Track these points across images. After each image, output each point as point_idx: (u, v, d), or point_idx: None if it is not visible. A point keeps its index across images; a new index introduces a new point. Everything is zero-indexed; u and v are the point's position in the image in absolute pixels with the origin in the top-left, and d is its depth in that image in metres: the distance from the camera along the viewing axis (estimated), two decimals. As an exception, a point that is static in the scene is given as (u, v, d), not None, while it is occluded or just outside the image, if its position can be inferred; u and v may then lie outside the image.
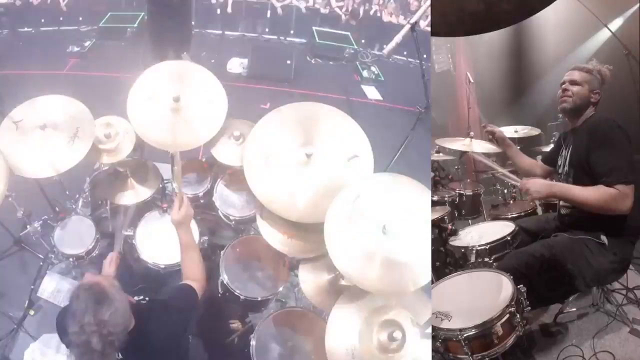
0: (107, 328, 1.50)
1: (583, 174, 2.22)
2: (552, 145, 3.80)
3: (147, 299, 2.13)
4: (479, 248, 2.45)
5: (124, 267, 2.57)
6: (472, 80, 4.23)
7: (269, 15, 6.25)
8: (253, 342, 2.15)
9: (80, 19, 5.77)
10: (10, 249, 2.83)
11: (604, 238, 2.18)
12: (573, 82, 2.33)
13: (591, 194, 2.10)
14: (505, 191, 3.91)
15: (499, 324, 1.75)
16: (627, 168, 2.07)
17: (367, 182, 2.05)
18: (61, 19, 5.72)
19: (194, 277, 2.00)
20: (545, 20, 4.34)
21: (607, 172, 2.07)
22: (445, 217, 3.16)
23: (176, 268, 2.46)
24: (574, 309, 2.68)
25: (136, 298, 1.95)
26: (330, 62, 5.91)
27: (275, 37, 6.24)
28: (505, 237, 2.46)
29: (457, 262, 2.60)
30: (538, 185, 2.24)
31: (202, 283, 2.00)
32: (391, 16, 6.55)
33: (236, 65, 5.29)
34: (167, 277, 2.49)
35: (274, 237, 2.27)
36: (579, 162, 2.27)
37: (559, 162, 2.48)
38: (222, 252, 2.49)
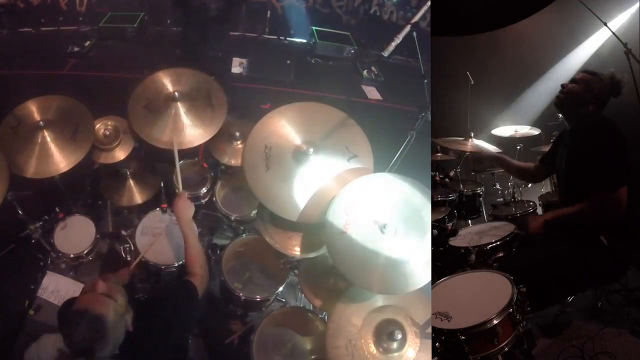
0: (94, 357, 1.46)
1: (580, 175, 2.22)
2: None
3: (146, 296, 2.13)
4: (479, 248, 2.44)
5: (123, 267, 2.58)
6: (472, 81, 4.22)
7: (269, 15, 6.24)
8: (253, 342, 2.15)
9: (80, 19, 5.76)
10: (10, 249, 2.82)
11: (603, 239, 2.17)
12: (572, 81, 2.36)
13: (583, 208, 2.12)
14: (506, 191, 3.91)
15: (498, 324, 1.74)
16: (618, 171, 2.08)
17: (367, 182, 2.05)
18: (61, 19, 5.71)
19: (194, 270, 2.00)
20: (545, 19, 4.33)
21: (598, 178, 2.09)
22: (445, 217, 3.16)
23: (176, 268, 2.46)
24: (574, 309, 2.68)
25: (137, 296, 1.93)
26: (330, 62, 5.91)
27: (275, 37, 6.23)
28: (505, 237, 2.46)
29: (457, 262, 2.60)
30: (534, 226, 2.28)
31: (203, 278, 1.99)
32: (391, 16, 6.55)
33: (236, 65, 5.28)
34: (167, 276, 2.48)
35: (273, 237, 2.28)
36: (575, 163, 2.27)
37: (557, 162, 2.48)
38: (222, 252, 2.49)
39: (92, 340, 1.46)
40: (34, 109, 2.54)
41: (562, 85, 2.38)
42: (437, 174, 3.86)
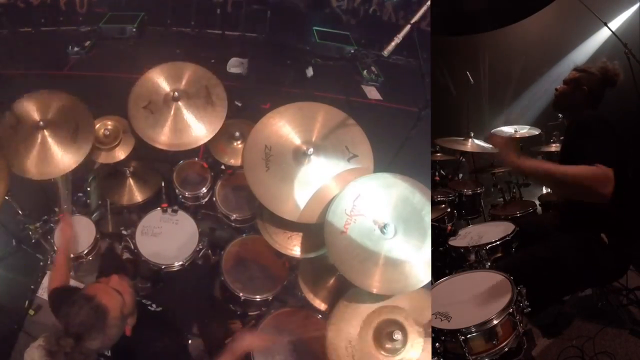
0: (82, 349, 1.45)
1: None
2: (552, 145, 3.81)
3: (154, 305, 2.11)
4: (478, 248, 2.45)
5: (123, 266, 2.58)
6: (472, 81, 4.23)
7: (269, 15, 6.24)
8: (253, 342, 2.16)
9: (80, 19, 5.76)
10: (10, 249, 2.82)
11: (604, 237, 2.17)
12: (564, 82, 2.37)
13: (569, 169, 1.97)
14: (505, 191, 3.91)
15: (498, 324, 1.74)
16: (608, 152, 1.99)
17: (367, 182, 2.05)
18: (61, 19, 5.71)
19: None
20: (545, 19, 4.34)
21: (589, 154, 1.98)
22: (445, 217, 3.16)
23: (176, 268, 2.46)
24: (574, 309, 2.68)
25: (144, 301, 1.92)
26: (330, 62, 5.90)
27: (275, 37, 6.23)
28: (505, 237, 2.46)
29: (457, 262, 2.60)
30: (515, 160, 2.09)
31: None
32: (391, 16, 6.55)
33: (236, 65, 5.27)
34: (167, 276, 2.48)
35: (274, 237, 2.28)
36: (566, 157, 2.27)
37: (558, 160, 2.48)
38: (222, 252, 2.49)
39: (89, 326, 1.46)
40: (33, 108, 2.52)
41: (556, 89, 2.40)
42: (437, 174, 3.87)
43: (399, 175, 2.05)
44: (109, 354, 1.59)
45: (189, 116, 2.56)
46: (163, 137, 2.53)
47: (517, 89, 4.91)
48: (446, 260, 2.75)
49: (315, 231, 2.08)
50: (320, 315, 2.23)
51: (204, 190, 2.76)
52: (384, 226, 1.91)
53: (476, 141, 3.62)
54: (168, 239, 2.50)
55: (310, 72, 5.14)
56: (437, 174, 3.90)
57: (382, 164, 2.35)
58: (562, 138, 2.57)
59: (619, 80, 2.28)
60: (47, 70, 4.88)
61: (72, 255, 2.49)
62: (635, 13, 3.90)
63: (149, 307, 1.90)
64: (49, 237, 2.58)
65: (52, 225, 2.62)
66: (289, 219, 2.11)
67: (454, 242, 2.66)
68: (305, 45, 5.74)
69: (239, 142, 2.75)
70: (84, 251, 2.51)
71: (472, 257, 2.47)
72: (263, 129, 2.27)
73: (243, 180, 2.24)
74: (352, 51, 5.97)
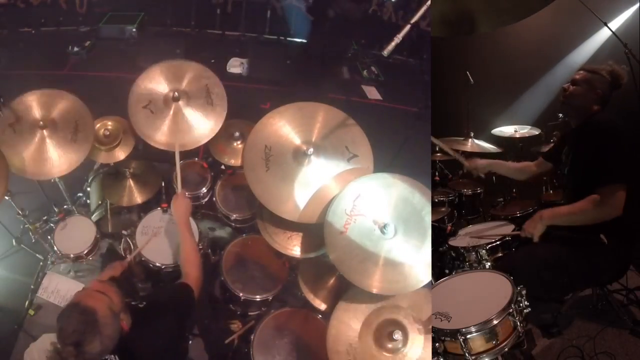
0: (85, 356, 1.49)
1: (584, 175, 2.22)
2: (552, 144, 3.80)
3: (144, 303, 2.11)
4: (478, 248, 2.45)
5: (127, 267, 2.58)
6: (472, 81, 4.22)
7: (269, 15, 6.24)
8: (253, 342, 2.16)
9: (80, 19, 5.77)
10: (10, 249, 2.83)
11: (604, 238, 2.17)
12: (573, 82, 2.35)
13: (584, 205, 2.11)
14: (505, 191, 3.91)
15: (498, 324, 1.75)
16: (620, 169, 2.07)
17: (367, 182, 2.05)
18: (61, 19, 5.72)
19: (188, 271, 2.03)
20: (545, 19, 4.34)
21: (601, 174, 2.08)
22: (445, 217, 3.16)
23: (175, 268, 2.46)
24: (574, 310, 2.68)
25: (133, 302, 1.93)
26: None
27: (275, 37, 6.23)
28: (504, 237, 2.46)
29: (456, 262, 2.60)
30: (531, 225, 2.26)
31: (198, 279, 2.01)
32: (391, 16, 6.55)
33: (236, 65, 5.28)
34: (167, 276, 2.48)
35: (274, 237, 2.28)
36: (580, 163, 2.27)
37: (563, 160, 2.47)
38: (222, 252, 2.49)
39: (82, 332, 1.48)
40: (33, 105, 2.51)
41: (564, 89, 2.38)
42: (437, 174, 3.87)
43: (398, 175, 2.05)
44: (115, 358, 1.60)
45: (188, 116, 2.56)
46: (163, 137, 2.53)
47: (517, 89, 4.90)
48: (446, 260, 2.75)
49: (315, 231, 2.08)
50: (320, 315, 2.23)
51: (204, 190, 2.76)
52: (384, 226, 1.91)
53: (476, 141, 3.62)
54: (168, 239, 2.50)
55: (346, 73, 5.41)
56: (437, 173, 3.89)
57: (382, 164, 2.35)
58: (568, 137, 2.55)
59: (623, 83, 2.29)
60: (47, 70, 4.89)
61: (72, 255, 2.50)
62: (635, 13, 3.89)
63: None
64: (49, 237, 2.58)
65: (52, 225, 2.62)
66: (289, 219, 2.12)
67: (454, 242, 2.66)
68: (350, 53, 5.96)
69: (239, 142, 2.75)
70: (83, 251, 2.51)
71: (472, 257, 2.47)
72: (263, 129, 2.27)
73: (243, 180, 2.24)
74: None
